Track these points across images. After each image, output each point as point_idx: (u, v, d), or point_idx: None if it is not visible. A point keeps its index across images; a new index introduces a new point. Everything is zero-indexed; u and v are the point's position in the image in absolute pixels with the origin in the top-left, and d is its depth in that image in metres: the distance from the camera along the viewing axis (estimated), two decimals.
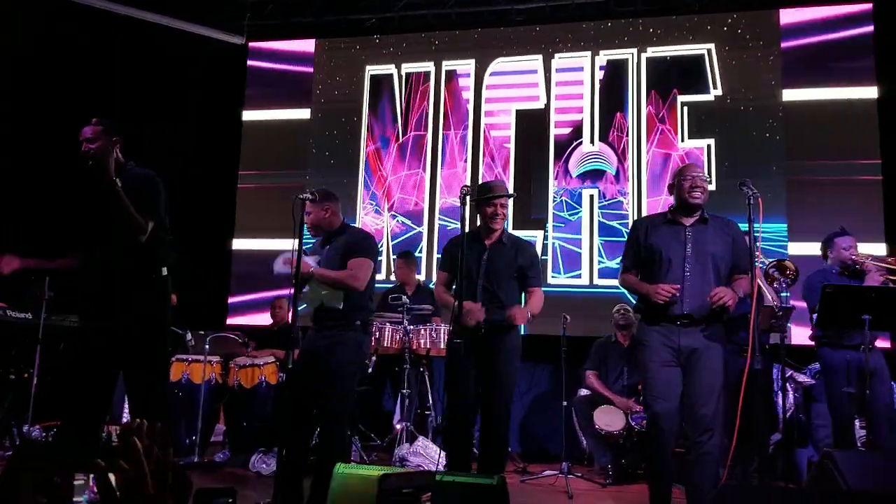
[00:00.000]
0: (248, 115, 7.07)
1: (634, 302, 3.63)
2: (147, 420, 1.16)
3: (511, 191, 6.27)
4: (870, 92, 5.80)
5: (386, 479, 2.47)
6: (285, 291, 5.57)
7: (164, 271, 3.09)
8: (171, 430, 4.82)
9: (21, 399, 4.78)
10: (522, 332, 5.87)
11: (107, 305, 2.99)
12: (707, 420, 3.20)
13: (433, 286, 5.81)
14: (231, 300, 6.81)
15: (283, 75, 7.07)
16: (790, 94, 5.96)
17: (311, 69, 7.01)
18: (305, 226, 3.44)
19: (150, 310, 3.03)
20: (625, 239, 5.81)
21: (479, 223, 3.75)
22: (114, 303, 2.98)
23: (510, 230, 6.16)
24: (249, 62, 7.15)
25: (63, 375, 4.56)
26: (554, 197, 6.31)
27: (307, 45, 7.07)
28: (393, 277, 6.07)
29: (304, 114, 6.97)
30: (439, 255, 6.40)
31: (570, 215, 6.26)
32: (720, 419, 3.26)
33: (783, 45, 6.03)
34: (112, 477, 0.99)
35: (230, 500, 1.74)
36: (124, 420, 4.67)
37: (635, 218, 6.04)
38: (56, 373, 4.88)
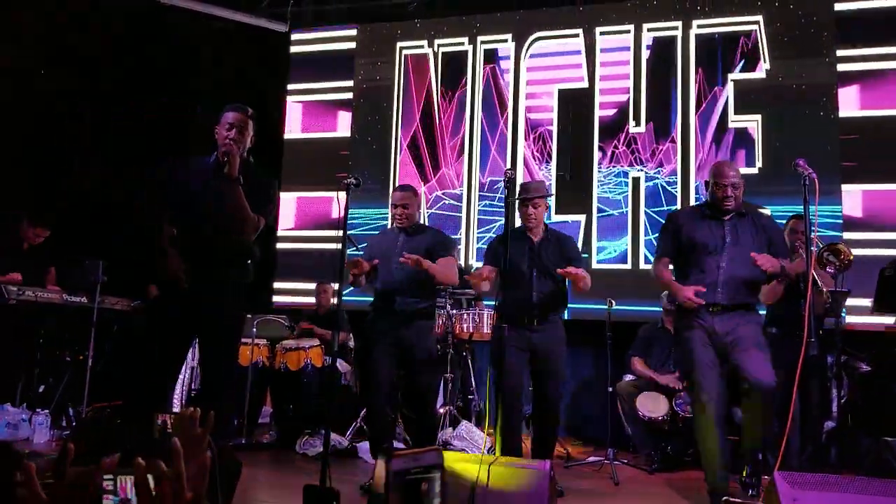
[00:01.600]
0: (292, 98, 7.13)
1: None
2: (215, 396, 1.17)
3: (553, 174, 6.27)
4: None
5: (394, 460, 2.46)
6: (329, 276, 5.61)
7: (249, 261, 3.17)
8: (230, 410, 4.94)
9: (76, 380, 4.94)
10: (567, 317, 5.86)
11: (199, 287, 3.01)
12: (768, 382, 3.22)
13: (475, 271, 5.84)
14: (276, 284, 6.90)
15: (324, 59, 7.10)
16: (844, 67, 5.72)
17: (352, 55, 7.03)
18: (399, 217, 3.85)
19: (240, 290, 3.13)
20: None
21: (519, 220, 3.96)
22: (205, 285, 3.01)
23: (554, 214, 6.24)
24: (292, 49, 7.21)
25: (125, 355, 4.71)
26: (599, 179, 6.21)
27: (348, 31, 7.09)
28: None
29: (346, 95, 7.00)
30: (480, 235, 6.40)
31: (615, 197, 6.15)
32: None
33: (837, 9, 5.77)
34: (150, 478, 1.00)
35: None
36: (175, 410, 4.79)
37: (681, 199, 5.93)
38: (114, 354, 5.04)
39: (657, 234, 3.90)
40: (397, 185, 5.64)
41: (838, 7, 5.79)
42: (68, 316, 5.07)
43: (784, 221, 4.30)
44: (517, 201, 3.83)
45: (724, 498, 3.18)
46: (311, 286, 6.12)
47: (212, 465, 1.19)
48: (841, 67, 5.70)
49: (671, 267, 3.62)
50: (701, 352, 3.35)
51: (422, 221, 4.33)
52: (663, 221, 3.83)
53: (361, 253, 3.98)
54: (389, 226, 4.10)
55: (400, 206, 3.88)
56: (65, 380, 5.05)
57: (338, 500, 2.81)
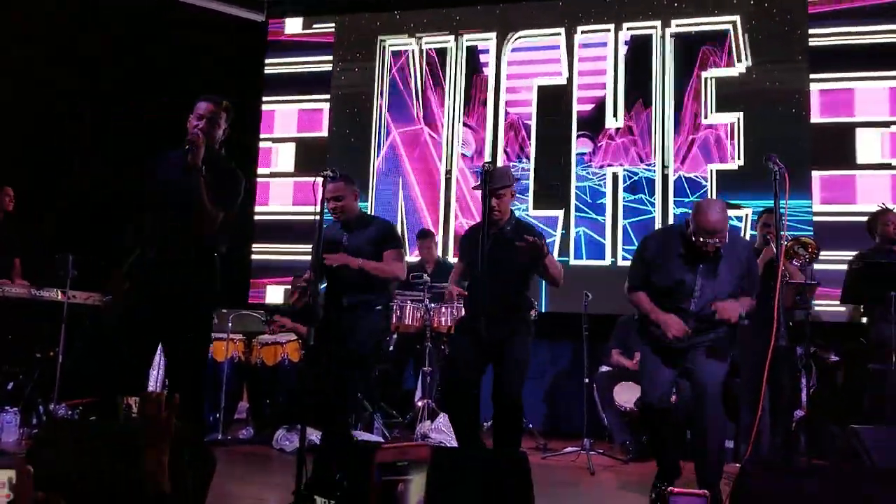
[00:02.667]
0: (269, 97, 7.09)
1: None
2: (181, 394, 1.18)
3: (532, 169, 6.28)
4: None
5: (380, 452, 2.46)
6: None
7: (215, 255, 3.13)
8: (201, 407, 4.89)
9: (47, 377, 4.85)
10: (544, 309, 5.86)
11: (165, 278, 3.00)
12: (711, 398, 3.28)
13: (452, 265, 5.85)
14: (253, 278, 6.85)
15: (302, 56, 7.06)
16: (817, 66, 5.82)
17: (329, 51, 6.98)
18: (334, 210, 3.67)
19: (204, 287, 3.08)
20: (648, 216, 5.74)
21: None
22: (173, 276, 3.00)
23: (531, 209, 6.26)
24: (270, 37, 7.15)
25: (96, 352, 4.64)
26: (577, 174, 6.25)
27: (326, 24, 7.04)
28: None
29: (323, 93, 6.96)
30: (460, 231, 6.41)
31: (593, 193, 6.19)
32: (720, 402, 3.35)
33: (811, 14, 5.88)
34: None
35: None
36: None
37: (660, 195, 5.98)
38: (85, 350, 4.95)
39: (641, 231, 3.84)
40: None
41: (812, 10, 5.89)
42: (38, 311, 4.97)
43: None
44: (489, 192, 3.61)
45: (669, 488, 3.24)
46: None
47: (180, 453, 1.19)
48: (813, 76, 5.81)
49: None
50: (657, 371, 3.41)
51: (369, 211, 4.14)
52: (651, 210, 3.83)
53: None
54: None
55: (332, 200, 3.69)
56: (35, 376, 4.95)
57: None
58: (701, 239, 3.17)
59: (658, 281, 3.37)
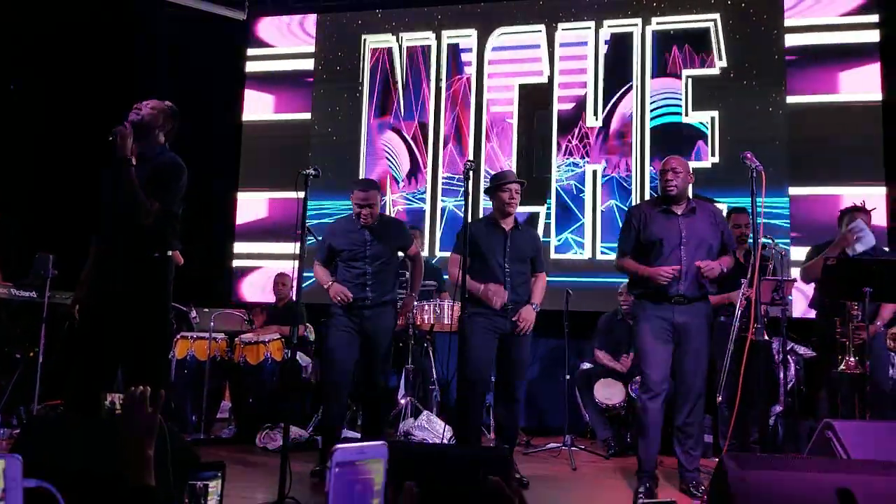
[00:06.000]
0: (249, 94, 7.06)
1: (626, 281, 3.85)
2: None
3: (515, 167, 6.34)
4: (873, 77, 5.75)
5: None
6: (287, 268, 5.58)
7: (167, 253, 3.12)
8: (175, 407, 4.87)
9: (27, 378, 4.80)
10: None
11: (110, 280, 3.04)
12: (697, 388, 3.52)
13: (435, 263, 5.88)
14: (235, 277, 6.82)
15: (284, 53, 7.04)
16: (794, 66, 5.91)
17: (311, 48, 6.97)
18: (364, 216, 3.89)
19: (148, 288, 3.06)
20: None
21: (493, 209, 4.00)
22: (116, 278, 3.03)
23: None
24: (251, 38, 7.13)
25: (70, 352, 4.60)
26: (557, 171, 6.30)
27: (308, 22, 7.03)
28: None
29: (305, 93, 6.95)
30: (443, 232, 6.43)
31: (573, 189, 6.24)
32: (704, 390, 3.57)
33: (786, 17, 5.97)
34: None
35: (218, 474, 1.73)
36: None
37: (637, 190, 6.06)
38: (62, 351, 4.91)
39: (620, 230, 3.96)
40: (359, 179, 5.57)
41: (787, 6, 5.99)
42: (17, 311, 4.92)
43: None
44: (493, 188, 3.90)
45: (641, 501, 3.33)
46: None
47: (163, 446, 1.20)
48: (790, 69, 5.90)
49: None
50: (653, 348, 3.52)
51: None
52: (624, 215, 3.96)
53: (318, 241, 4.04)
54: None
55: (366, 207, 3.89)
56: (14, 377, 4.90)
57: None
58: (661, 179, 3.58)
59: (648, 236, 3.58)
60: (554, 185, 6.28)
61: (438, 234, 6.45)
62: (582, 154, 6.28)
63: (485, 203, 6.26)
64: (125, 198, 2.95)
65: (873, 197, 5.18)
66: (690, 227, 3.56)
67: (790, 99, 5.86)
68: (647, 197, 5.99)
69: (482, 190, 6.27)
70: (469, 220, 3.70)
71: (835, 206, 4.99)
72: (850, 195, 5.32)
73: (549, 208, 6.25)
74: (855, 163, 5.62)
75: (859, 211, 4.23)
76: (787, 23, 5.96)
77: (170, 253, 3.13)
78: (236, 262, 6.84)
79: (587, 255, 6.14)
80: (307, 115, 6.89)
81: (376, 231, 3.98)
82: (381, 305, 3.98)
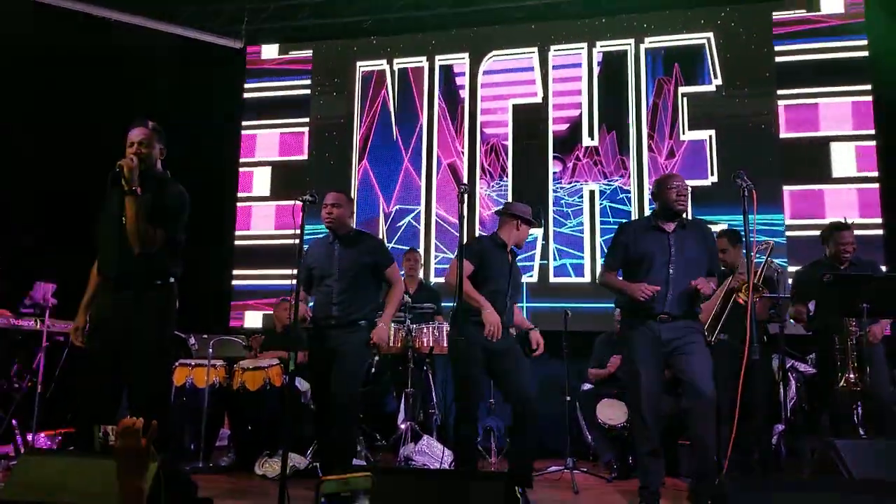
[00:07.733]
0: (248, 121, 7.14)
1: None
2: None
3: (510, 188, 6.37)
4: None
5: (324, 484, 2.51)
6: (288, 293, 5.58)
7: (171, 280, 3.16)
8: (173, 435, 4.83)
9: (26, 406, 4.78)
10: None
11: (113, 308, 3.07)
12: (710, 390, 3.38)
13: (433, 286, 5.88)
14: (234, 303, 6.83)
15: (280, 81, 7.11)
16: (784, 83, 5.97)
17: (308, 77, 7.05)
18: (327, 216, 3.86)
19: (152, 315, 3.08)
20: None
21: (503, 234, 3.96)
22: (121, 305, 3.05)
23: None
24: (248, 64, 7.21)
25: (72, 381, 4.60)
26: (554, 192, 6.32)
27: (304, 50, 7.12)
28: None
29: (302, 117, 7.02)
30: (437, 253, 6.45)
31: (570, 211, 6.26)
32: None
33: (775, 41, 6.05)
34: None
35: None
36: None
37: (637, 211, 6.08)
38: (63, 380, 4.89)
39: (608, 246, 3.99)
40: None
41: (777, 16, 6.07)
42: (16, 340, 4.91)
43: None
44: (519, 220, 3.90)
45: None
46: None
47: (158, 477, 1.19)
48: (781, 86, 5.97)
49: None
50: (644, 349, 3.51)
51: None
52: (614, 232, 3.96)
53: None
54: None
55: (331, 206, 3.88)
56: (13, 407, 4.87)
57: None
58: (672, 195, 3.53)
59: (638, 252, 3.58)
60: (551, 206, 6.29)
61: (433, 255, 6.46)
62: (578, 174, 6.30)
63: (480, 229, 6.29)
64: (132, 227, 2.99)
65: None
66: (679, 245, 3.57)
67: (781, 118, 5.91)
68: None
69: (477, 213, 6.32)
70: (465, 240, 3.68)
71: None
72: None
73: (546, 231, 6.26)
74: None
75: (844, 229, 4.25)
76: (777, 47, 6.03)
77: (172, 280, 3.16)
78: (235, 284, 6.84)
79: (587, 276, 6.12)
80: (305, 142, 6.94)
81: (346, 243, 3.93)
82: (349, 325, 3.82)
